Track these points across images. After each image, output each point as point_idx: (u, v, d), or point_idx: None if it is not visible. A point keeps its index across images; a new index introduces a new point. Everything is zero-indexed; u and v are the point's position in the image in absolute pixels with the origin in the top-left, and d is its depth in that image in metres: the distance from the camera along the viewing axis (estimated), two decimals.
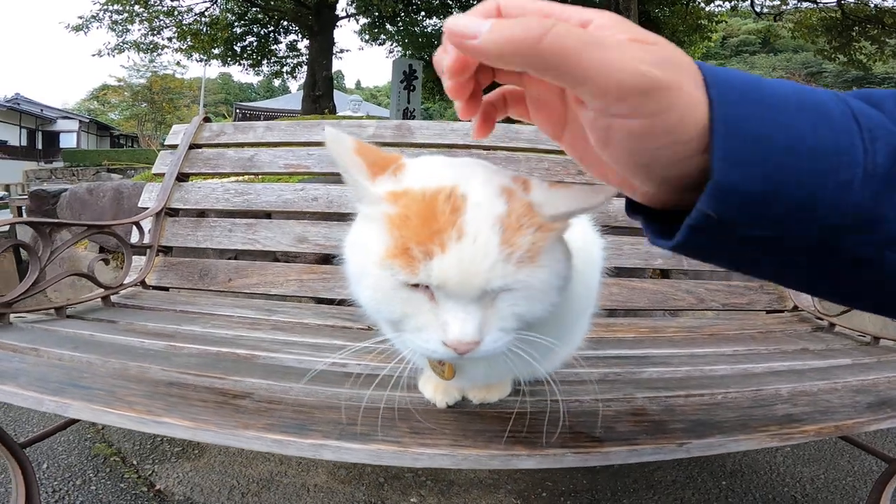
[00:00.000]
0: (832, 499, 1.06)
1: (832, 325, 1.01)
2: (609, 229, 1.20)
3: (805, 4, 8.85)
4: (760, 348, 0.83)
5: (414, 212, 0.34)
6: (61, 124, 22.73)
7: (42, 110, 22.14)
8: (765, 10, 9.76)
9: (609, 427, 0.49)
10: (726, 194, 0.23)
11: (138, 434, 1.21)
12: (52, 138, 22.22)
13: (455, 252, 0.33)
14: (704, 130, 0.23)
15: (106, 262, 1.10)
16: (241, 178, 1.68)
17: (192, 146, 1.31)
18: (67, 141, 22.29)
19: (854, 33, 8.47)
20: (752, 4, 9.28)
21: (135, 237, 1.15)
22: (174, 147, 1.32)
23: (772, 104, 0.23)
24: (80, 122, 23.78)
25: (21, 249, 3.13)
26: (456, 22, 0.26)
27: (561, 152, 1.27)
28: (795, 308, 1.09)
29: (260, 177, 1.84)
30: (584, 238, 0.51)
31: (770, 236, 0.24)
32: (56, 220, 0.89)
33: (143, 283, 1.12)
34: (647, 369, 0.69)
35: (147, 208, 1.20)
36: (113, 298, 1.01)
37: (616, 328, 0.95)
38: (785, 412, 0.53)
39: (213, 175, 1.30)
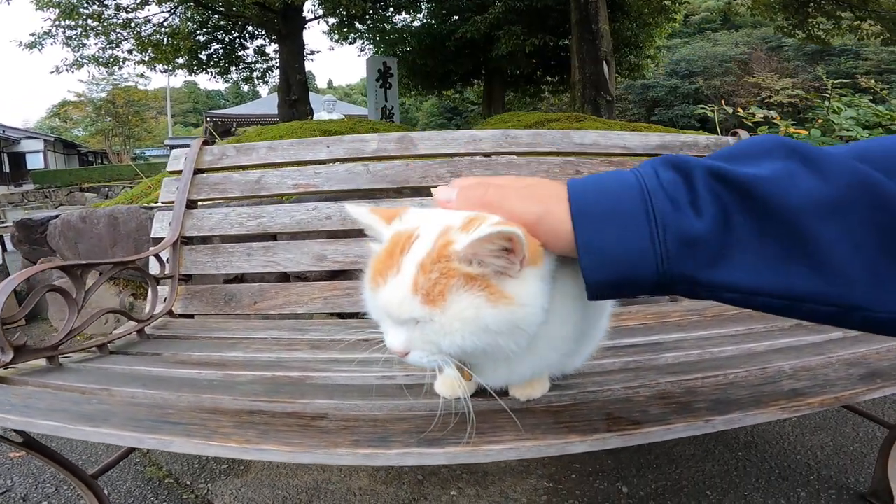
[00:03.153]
0: (843, 464, 1.13)
1: None
2: None
3: None
4: (759, 326, 0.92)
5: (385, 249, 0.45)
6: (25, 144, 21.86)
7: (3, 131, 21.20)
8: None
9: (643, 411, 0.57)
10: (589, 285, 0.39)
11: (183, 455, 1.25)
12: (18, 160, 21.38)
13: (387, 287, 0.44)
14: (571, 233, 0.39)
15: (135, 296, 1.12)
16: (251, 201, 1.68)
17: (197, 171, 1.33)
18: (34, 162, 21.49)
19: (810, 9, 8.68)
20: None
21: (154, 268, 1.18)
22: (178, 174, 1.34)
23: (599, 219, 0.38)
24: (45, 140, 22.91)
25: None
26: (438, 193, 0.46)
27: (559, 153, 1.34)
28: None
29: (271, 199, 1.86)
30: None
31: (627, 293, 0.40)
32: (85, 262, 0.92)
33: (170, 313, 1.15)
34: (663, 355, 0.77)
35: (162, 238, 1.23)
36: (147, 330, 1.05)
37: (625, 316, 1.03)
38: (790, 387, 0.61)
39: (223, 199, 1.32)
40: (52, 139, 23.85)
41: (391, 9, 10.02)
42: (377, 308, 0.46)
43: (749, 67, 21.51)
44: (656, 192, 0.36)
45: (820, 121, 2.13)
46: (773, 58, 21.73)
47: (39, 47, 8.35)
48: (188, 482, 1.17)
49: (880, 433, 1.18)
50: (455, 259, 0.41)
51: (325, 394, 0.66)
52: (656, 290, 0.38)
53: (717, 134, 1.79)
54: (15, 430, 0.73)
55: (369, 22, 10.05)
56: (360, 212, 0.49)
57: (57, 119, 29.59)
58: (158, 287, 1.16)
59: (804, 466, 1.14)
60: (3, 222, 6.44)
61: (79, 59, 8.73)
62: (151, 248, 1.18)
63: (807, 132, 1.99)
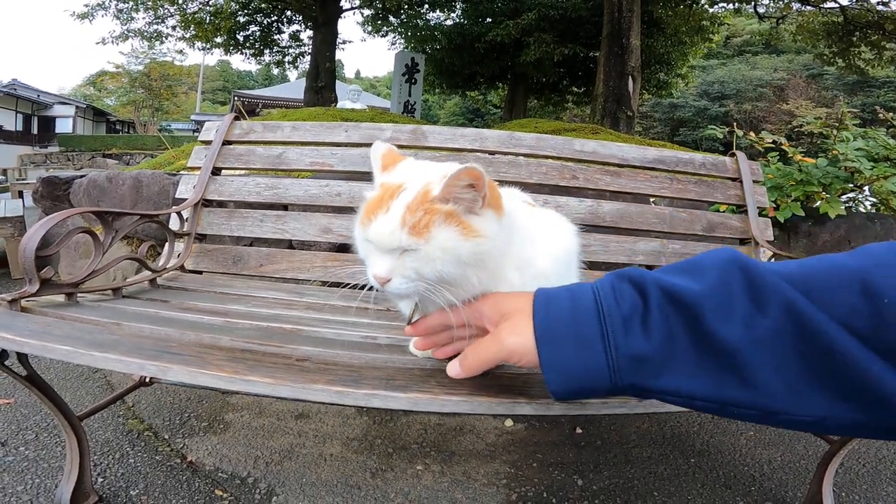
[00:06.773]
0: (786, 479, 1.16)
1: None
2: (598, 228, 1.33)
3: (808, 8, 8.89)
4: None
5: (377, 195, 0.55)
6: (57, 109, 22.64)
7: (38, 95, 22.02)
8: (768, 13, 9.82)
9: None
10: (553, 394, 0.46)
11: (167, 410, 1.32)
12: (48, 123, 22.16)
13: (378, 221, 0.53)
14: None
15: (154, 248, 1.22)
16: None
17: (225, 143, 1.43)
18: (63, 126, 22.23)
19: (855, 38, 8.52)
20: (755, 7, 9.35)
21: (173, 225, 1.27)
22: (208, 143, 1.43)
23: (559, 342, 0.45)
24: (77, 107, 23.69)
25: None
26: (450, 371, 0.56)
27: (559, 158, 1.40)
28: None
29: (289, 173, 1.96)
30: (551, 224, 0.69)
31: (585, 398, 0.46)
32: (117, 210, 1.01)
33: (181, 268, 1.24)
34: None
35: (185, 199, 1.32)
36: (158, 281, 1.14)
37: None
38: None
39: (245, 169, 1.42)
40: (84, 106, 24.60)
41: (426, 5, 10.15)
42: (366, 241, 0.54)
43: (785, 94, 21.13)
44: (611, 313, 0.42)
45: (836, 152, 2.14)
46: (811, 85, 21.31)
47: (91, 18, 8.72)
48: (166, 436, 1.21)
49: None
50: (436, 201, 0.52)
51: (312, 343, 0.73)
52: (610, 395, 0.44)
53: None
54: (20, 359, 0.77)
55: (403, 17, 10.18)
56: (376, 152, 0.60)
57: (92, 87, 30.39)
58: (175, 242, 1.25)
59: (749, 478, 1.17)
60: (24, 180, 6.75)
61: (125, 32, 9.10)
62: (175, 206, 1.27)
63: (814, 161, 2.00)
